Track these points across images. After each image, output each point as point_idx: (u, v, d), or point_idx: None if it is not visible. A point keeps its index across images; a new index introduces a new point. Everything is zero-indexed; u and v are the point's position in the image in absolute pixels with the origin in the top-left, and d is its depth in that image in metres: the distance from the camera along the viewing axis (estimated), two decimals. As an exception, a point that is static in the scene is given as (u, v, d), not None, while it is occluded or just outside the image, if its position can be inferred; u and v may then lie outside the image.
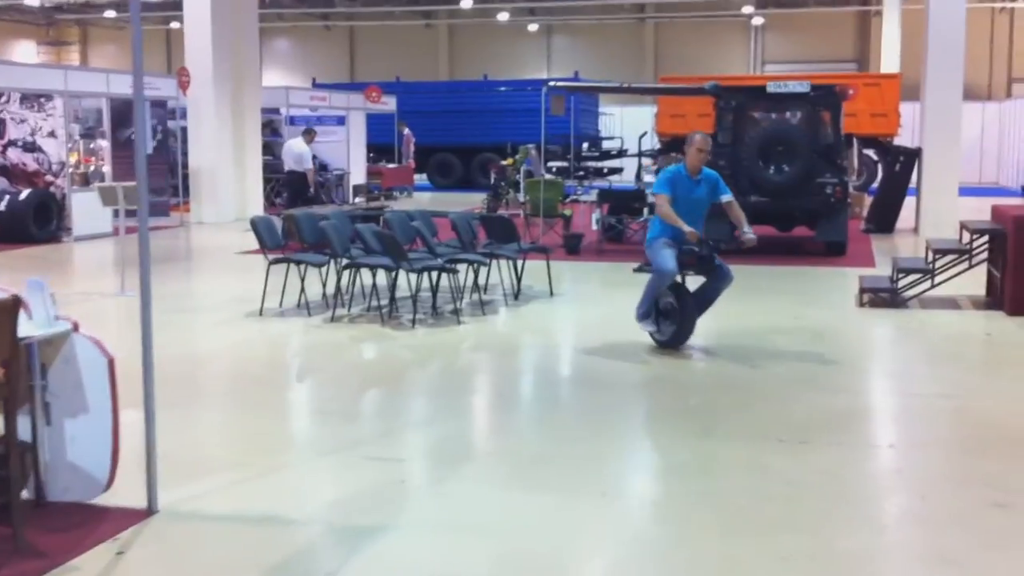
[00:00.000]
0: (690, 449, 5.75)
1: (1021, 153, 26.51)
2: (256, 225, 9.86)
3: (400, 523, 4.58)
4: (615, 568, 4.20)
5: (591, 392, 6.98)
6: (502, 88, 28.86)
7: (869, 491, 5.05)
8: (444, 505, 4.83)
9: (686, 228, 7.54)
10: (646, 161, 21.95)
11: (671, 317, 7.97)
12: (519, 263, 10.51)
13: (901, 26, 30.07)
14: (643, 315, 7.96)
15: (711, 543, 4.36)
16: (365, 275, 9.90)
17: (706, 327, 9.29)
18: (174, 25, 37.08)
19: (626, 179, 24.36)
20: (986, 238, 9.95)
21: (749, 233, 7.86)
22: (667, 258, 7.66)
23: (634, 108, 30.13)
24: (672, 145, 23.79)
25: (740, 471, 5.27)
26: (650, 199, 14.66)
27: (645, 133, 23.42)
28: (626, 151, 25.52)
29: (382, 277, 9.75)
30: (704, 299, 8.05)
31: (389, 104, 25.67)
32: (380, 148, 26.47)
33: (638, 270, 8.27)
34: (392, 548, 4.30)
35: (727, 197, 7.94)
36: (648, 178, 19.56)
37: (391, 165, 25.79)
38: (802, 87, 13.96)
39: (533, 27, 38.53)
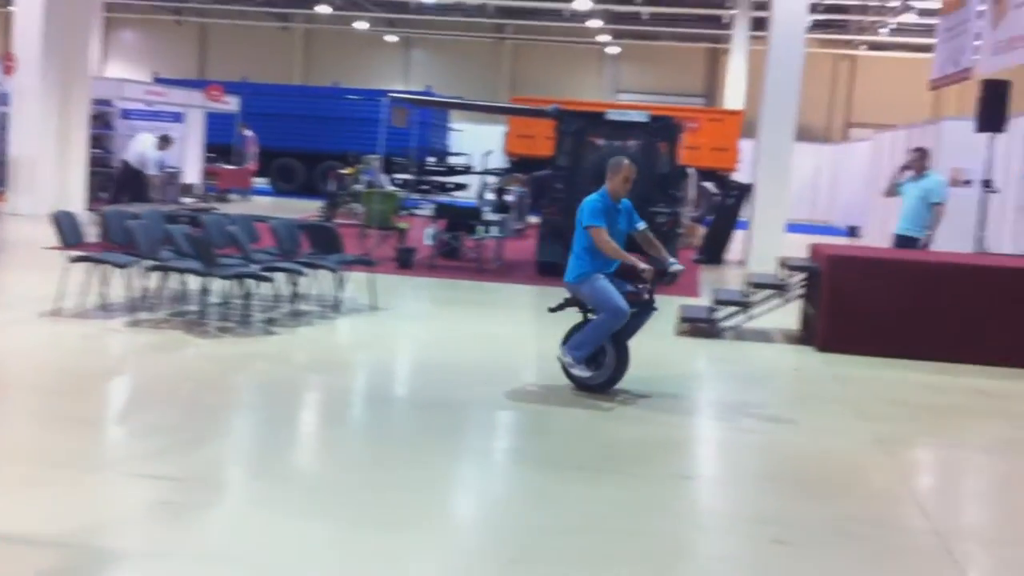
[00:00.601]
0: (486, 477, 5.56)
1: (851, 194, 27.59)
2: (58, 220, 9.25)
3: (155, 549, 4.22)
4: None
5: (389, 414, 6.73)
6: (351, 96, 28.41)
7: (656, 524, 4.93)
8: (208, 530, 4.49)
9: (640, 265, 6.98)
10: (491, 179, 21.89)
11: (599, 358, 7.29)
12: (342, 275, 10.19)
13: (747, 65, 30.98)
14: (581, 358, 7.20)
15: (485, 578, 4.16)
16: (180, 279, 9.41)
17: (523, 352, 9.19)
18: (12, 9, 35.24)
19: (471, 196, 24.29)
20: (802, 275, 10.15)
21: (676, 264, 7.45)
22: (617, 297, 7.05)
23: (486, 127, 30.12)
24: (519, 165, 23.92)
25: (533, 502, 5.10)
26: (487, 216, 14.57)
27: (490, 152, 23.39)
28: (472, 168, 25.47)
29: (196, 282, 9.28)
30: (628, 335, 7.42)
31: (231, 104, 24.90)
32: (220, 149, 25.64)
33: (557, 308, 7.51)
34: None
35: (642, 225, 7.46)
36: (490, 196, 19.51)
37: (228, 166, 24.99)
38: (641, 117, 14.10)
39: (392, 38, 38.20)
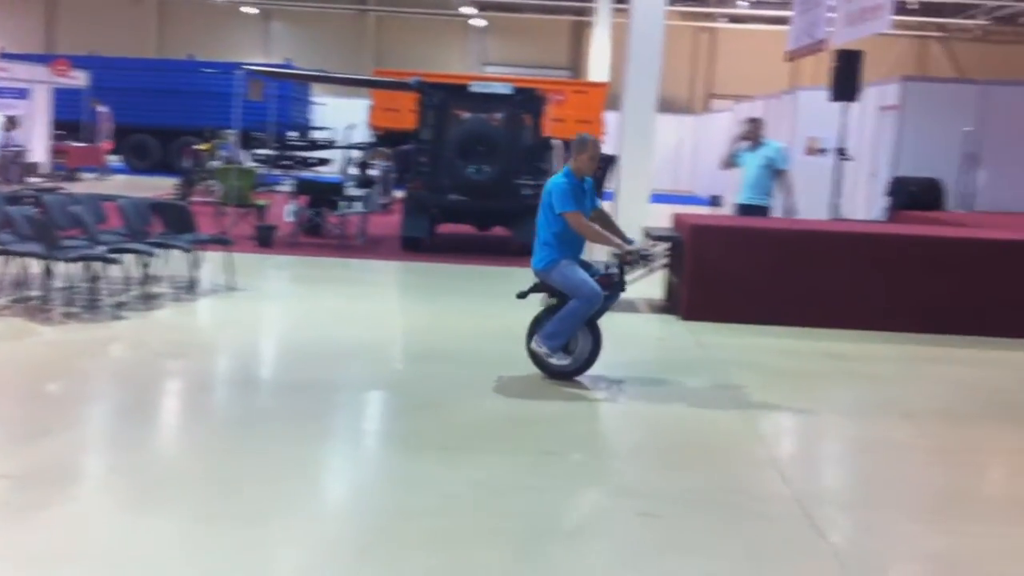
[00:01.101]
0: (348, 462, 5.38)
1: (712, 164, 28.09)
2: None
3: (-16, 555, 3.91)
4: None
5: (247, 399, 6.46)
6: (207, 70, 27.49)
7: (518, 503, 4.83)
8: (46, 531, 4.19)
9: (625, 247, 6.82)
10: (354, 154, 21.50)
11: (569, 345, 7.06)
12: (197, 254, 9.79)
13: (611, 37, 31.18)
14: (557, 347, 6.96)
15: (345, 567, 3.99)
16: (21, 263, 8.88)
17: (389, 330, 9.00)
18: None
19: (335, 171, 23.84)
20: (666, 244, 10.21)
21: (636, 243, 7.21)
22: (590, 282, 6.81)
23: (349, 100, 29.58)
24: (385, 139, 23.56)
25: (395, 485, 4.94)
26: (350, 191, 14.25)
27: (353, 125, 22.97)
28: (335, 142, 24.99)
29: (39, 266, 8.76)
30: (598, 316, 7.14)
31: (80, 79, 23.78)
32: (69, 126, 24.48)
33: (525, 295, 7.19)
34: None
35: (600, 203, 7.18)
36: (354, 171, 19.15)
37: (78, 144, 23.89)
38: (504, 89, 13.98)
39: (250, 10, 37.10)
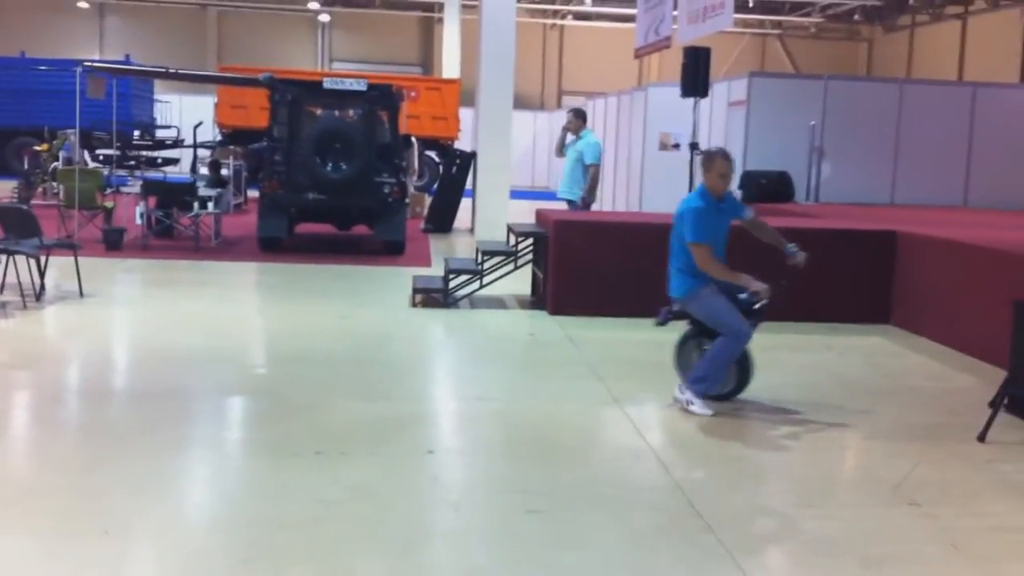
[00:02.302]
0: (215, 471, 5.17)
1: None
2: None
3: None
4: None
5: (105, 409, 6.15)
6: (41, 67, 26.20)
7: (402, 505, 4.72)
8: None
9: (755, 285, 6.14)
10: (202, 153, 20.87)
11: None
12: (42, 259, 9.29)
13: (461, 34, 31.16)
14: (704, 392, 6.33)
15: (223, 583, 3.82)
16: None
17: (250, 333, 8.75)
18: None
19: (184, 171, 23.08)
20: (530, 240, 10.24)
21: (797, 251, 6.46)
22: (736, 316, 6.23)
23: (194, 97, 28.72)
24: (233, 137, 22.95)
25: (268, 494, 4.76)
26: (202, 192, 13.80)
27: (200, 123, 22.29)
28: (183, 141, 24.21)
29: None
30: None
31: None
32: None
33: (665, 322, 6.57)
34: None
35: (750, 213, 6.58)
36: (204, 170, 18.57)
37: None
38: (359, 85, 13.77)
39: (84, 4, 35.56)
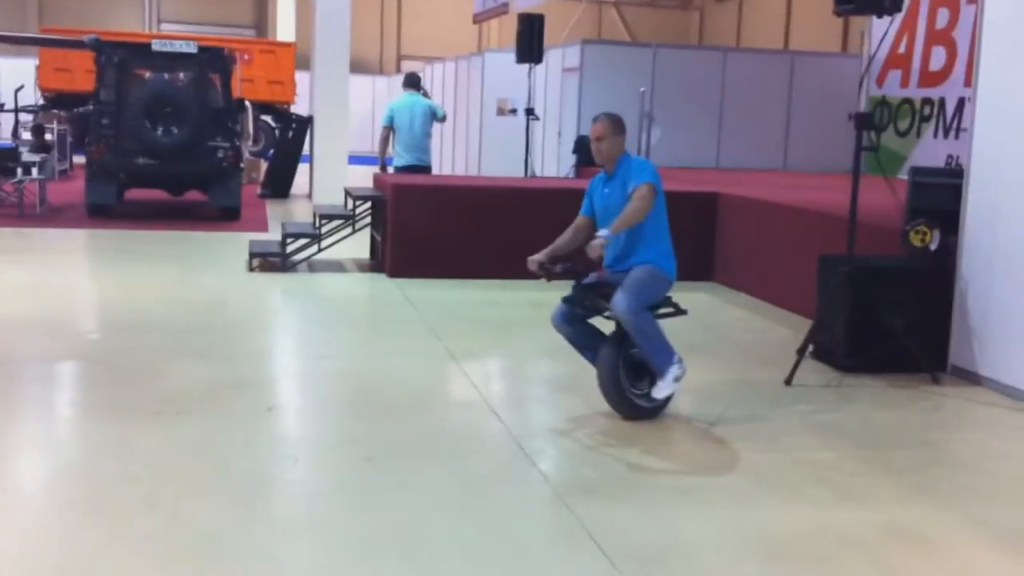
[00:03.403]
0: (51, 430, 5.16)
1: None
2: None
3: None
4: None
5: (-67, 376, 6.00)
6: None
7: (238, 460, 4.82)
8: None
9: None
10: (25, 117, 20.00)
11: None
12: None
13: (297, -3, 30.68)
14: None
15: (57, 538, 3.86)
16: None
17: (82, 300, 8.61)
18: None
19: (3, 136, 22.06)
20: (368, 204, 10.34)
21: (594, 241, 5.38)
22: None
23: (14, 60, 27.34)
24: (57, 101, 22.05)
25: (105, 451, 4.79)
26: (26, 157, 13.31)
27: (21, 86, 21.33)
28: (2, 105, 23.08)
29: None
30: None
31: None
32: None
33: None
34: None
35: (629, 188, 5.48)
36: (26, 135, 17.83)
37: None
38: (189, 47, 13.51)
39: None
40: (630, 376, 5.49)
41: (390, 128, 11.36)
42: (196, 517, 4.10)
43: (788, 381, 6.40)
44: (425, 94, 11.77)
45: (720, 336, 7.92)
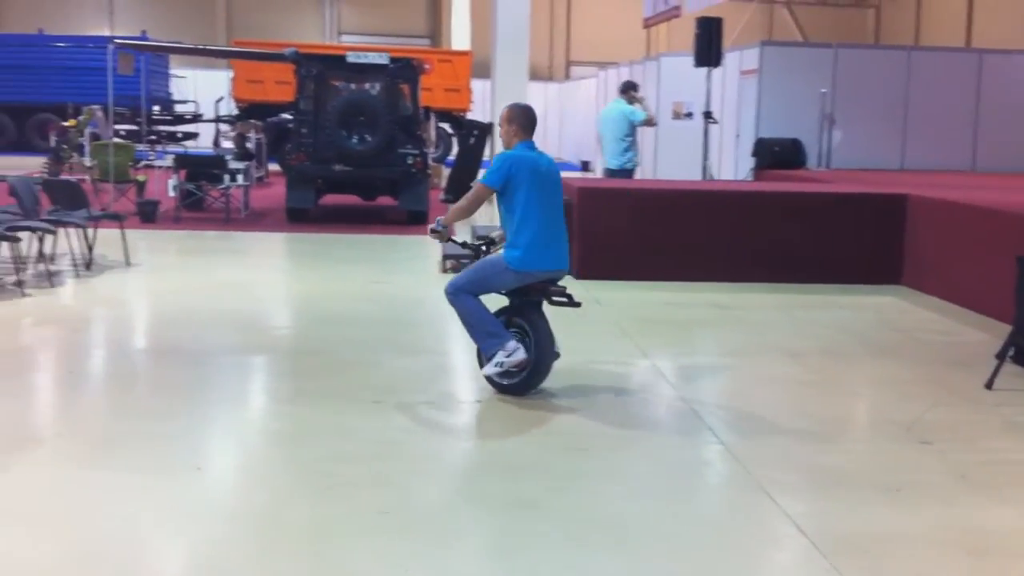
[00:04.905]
0: (281, 417, 5.63)
1: (579, 130, 28.77)
2: None
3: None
4: (206, 544, 3.97)
5: (174, 366, 6.60)
6: (60, 44, 26.58)
7: (455, 445, 5.21)
8: (10, 493, 4.34)
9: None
10: (224, 127, 21.24)
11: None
12: (90, 231, 9.75)
13: (471, 5, 31.41)
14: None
15: (303, 508, 4.28)
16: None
17: (283, 295, 9.20)
18: None
19: (203, 145, 23.47)
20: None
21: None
22: None
23: (209, 72, 29.04)
24: (251, 111, 23.33)
25: (329, 435, 5.23)
26: (231, 165, 14.24)
27: (222, 98, 22.66)
28: (201, 116, 24.57)
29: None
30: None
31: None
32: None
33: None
34: (-51, 548, 3.81)
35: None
36: (227, 144, 18.98)
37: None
38: (381, 59, 14.15)
39: (94, -20, 35.81)
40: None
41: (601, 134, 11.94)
42: (415, 491, 4.47)
43: (989, 385, 6.35)
44: (631, 100, 12.03)
45: (912, 339, 7.87)
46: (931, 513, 4.40)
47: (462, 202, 5.99)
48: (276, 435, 5.35)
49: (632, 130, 11.91)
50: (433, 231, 6.19)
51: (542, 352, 5.87)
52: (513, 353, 5.75)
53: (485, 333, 5.84)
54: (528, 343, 5.88)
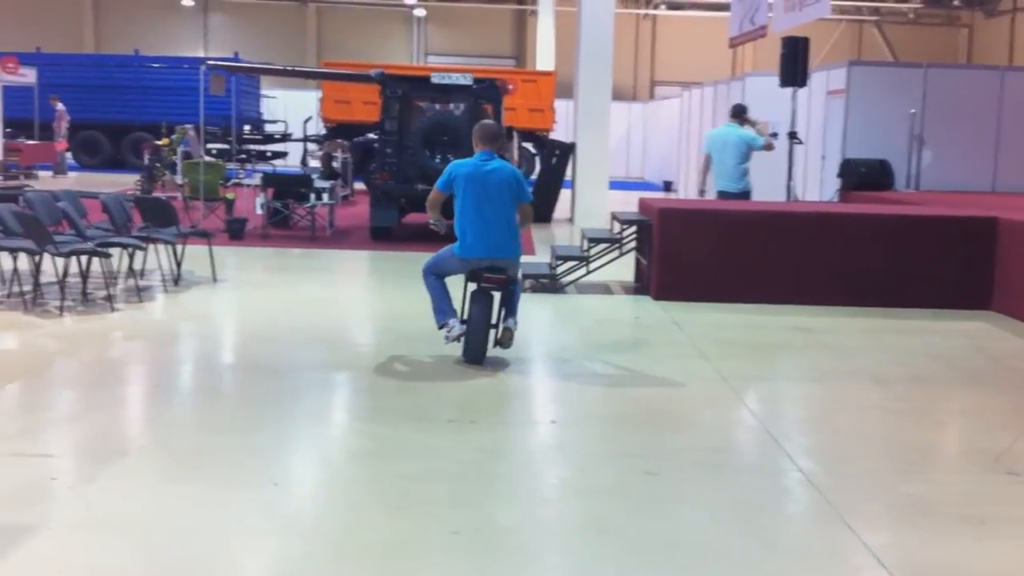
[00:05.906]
0: (360, 434, 5.70)
1: (662, 151, 28.64)
2: None
3: (51, 522, 4.20)
4: (283, 559, 4.04)
5: (258, 380, 6.74)
6: (155, 64, 27.37)
7: (531, 466, 5.21)
8: (98, 502, 4.47)
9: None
10: (311, 146, 21.62)
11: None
12: (178, 248, 10.00)
13: (555, 26, 31.55)
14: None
15: (379, 525, 4.33)
16: (6, 260, 9.03)
17: (366, 312, 9.31)
18: None
19: (291, 164, 23.93)
20: (634, 228, 10.64)
21: None
22: None
23: (298, 92, 29.63)
24: (338, 131, 23.73)
25: (407, 453, 5.28)
26: (318, 184, 14.50)
27: (310, 118, 23.08)
28: (290, 135, 25.04)
29: (25, 262, 8.92)
30: None
31: (28, 76, 23.63)
32: (19, 123, 24.37)
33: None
34: (42, 549, 3.93)
35: None
36: (314, 163, 19.32)
37: (30, 142, 23.75)
38: (465, 79, 14.28)
39: (188, 2, 36.85)
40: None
41: (708, 156, 12.08)
42: (494, 514, 4.49)
43: (1081, 415, 6.15)
44: (743, 123, 12.04)
45: (1006, 367, 7.65)
46: (1017, 547, 4.27)
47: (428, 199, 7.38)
48: (354, 452, 5.42)
49: (750, 154, 11.92)
50: (432, 224, 7.63)
51: (471, 331, 7.06)
52: (452, 329, 7.11)
53: (437, 308, 7.22)
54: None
